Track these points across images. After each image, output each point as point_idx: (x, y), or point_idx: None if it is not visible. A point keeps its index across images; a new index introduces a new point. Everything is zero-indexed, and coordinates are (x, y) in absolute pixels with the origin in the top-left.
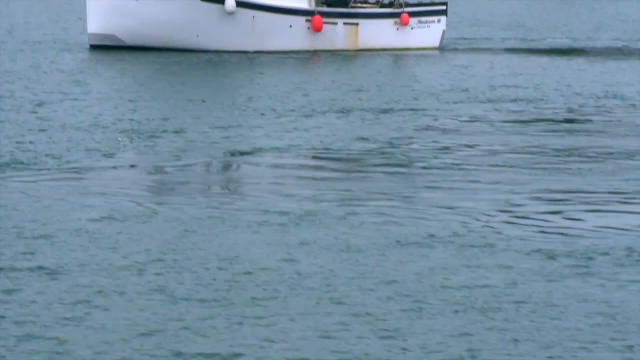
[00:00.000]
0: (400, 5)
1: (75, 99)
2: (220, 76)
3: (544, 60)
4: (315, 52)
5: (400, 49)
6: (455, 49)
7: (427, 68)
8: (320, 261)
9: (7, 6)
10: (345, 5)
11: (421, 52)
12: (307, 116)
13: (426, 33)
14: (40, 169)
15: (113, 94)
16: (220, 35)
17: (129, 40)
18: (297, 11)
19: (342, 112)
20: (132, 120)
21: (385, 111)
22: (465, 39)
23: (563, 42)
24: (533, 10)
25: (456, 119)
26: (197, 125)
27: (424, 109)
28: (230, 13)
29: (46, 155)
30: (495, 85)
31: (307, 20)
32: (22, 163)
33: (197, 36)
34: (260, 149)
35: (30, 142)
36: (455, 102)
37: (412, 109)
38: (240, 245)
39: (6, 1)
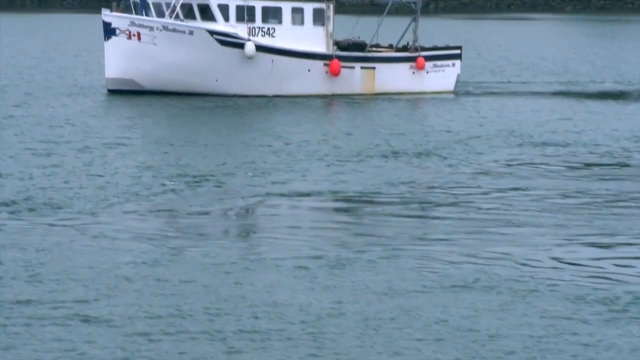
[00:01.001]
0: (416, 49)
1: (109, 145)
2: (243, 121)
3: (590, 103)
4: (333, 96)
5: (416, 93)
6: (477, 93)
7: (456, 112)
8: (364, 304)
9: (22, 50)
10: (362, 49)
11: (440, 96)
12: (341, 161)
13: (441, 77)
14: (74, 213)
15: (139, 140)
16: (239, 79)
17: (147, 85)
18: (316, 55)
19: (377, 156)
20: (162, 165)
21: (422, 155)
22: (509, 82)
23: (609, 85)
24: (579, 52)
25: (496, 163)
26: (225, 170)
27: (459, 153)
28: (250, 57)
29: (77, 199)
30: (538, 129)
31: (325, 65)
32: (51, 205)
33: (216, 80)
34: (292, 193)
35: (61, 186)
36: (494, 146)
37: (447, 153)
38: (282, 289)
39: (21, 45)
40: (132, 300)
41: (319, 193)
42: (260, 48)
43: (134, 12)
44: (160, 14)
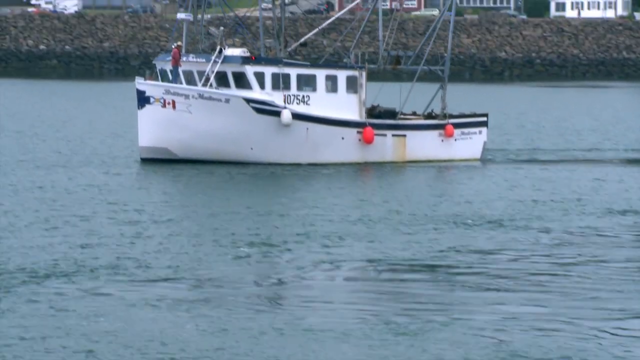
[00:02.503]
0: (444, 117)
1: (149, 214)
2: (282, 189)
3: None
4: (365, 164)
5: (444, 161)
6: (504, 160)
7: (495, 180)
8: None
9: (52, 118)
10: (394, 116)
11: (469, 164)
12: (392, 228)
13: (469, 144)
14: (120, 280)
15: (177, 209)
16: (274, 147)
17: (181, 154)
18: (349, 123)
19: (429, 223)
20: (205, 234)
21: (472, 223)
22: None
23: None
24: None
25: (551, 232)
26: (267, 239)
27: (513, 221)
28: (287, 125)
29: (119, 267)
30: (589, 197)
31: (358, 132)
32: (94, 274)
33: (251, 149)
34: (341, 260)
35: (102, 255)
36: (542, 215)
37: (499, 221)
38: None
39: (52, 114)
40: None
41: (368, 260)
42: (296, 116)
43: (160, 80)
44: (191, 81)
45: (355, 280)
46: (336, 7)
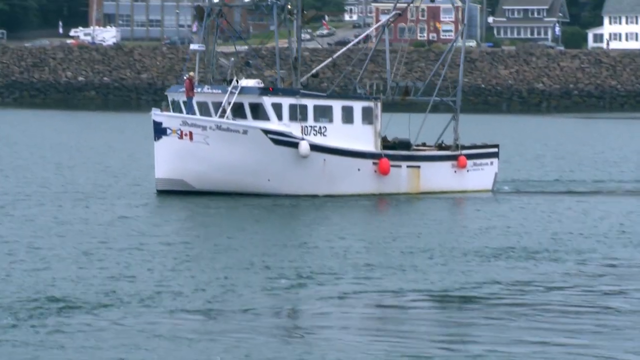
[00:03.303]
0: (457, 148)
1: (169, 247)
2: (301, 221)
3: None
4: (380, 196)
5: (456, 192)
6: (515, 191)
7: (531, 211)
8: None
9: (88, 149)
10: (408, 147)
11: (482, 195)
12: (423, 259)
13: (480, 176)
14: (163, 311)
15: (195, 241)
16: (291, 179)
17: (197, 185)
18: (365, 154)
19: (459, 254)
20: (224, 266)
21: (502, 254)
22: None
23: None
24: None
25: (588, 263)
26: (287, 271)
27: (547, 252)
28: (305, 156)
29: (169, 298)
30: (625, 228)
31: (374, 163)
32: (117, 306)
33: (269, 180)
34: (378, 292)
35: (122, 287)
36: (578, 247)
37: (527, 252)
38: None
39: (88, 145)
40: None
41: (399, 291)
42: (313, 147)
43: (171, 111)
44: (206, 113)
45: (387, 312)
46: (373, 39)
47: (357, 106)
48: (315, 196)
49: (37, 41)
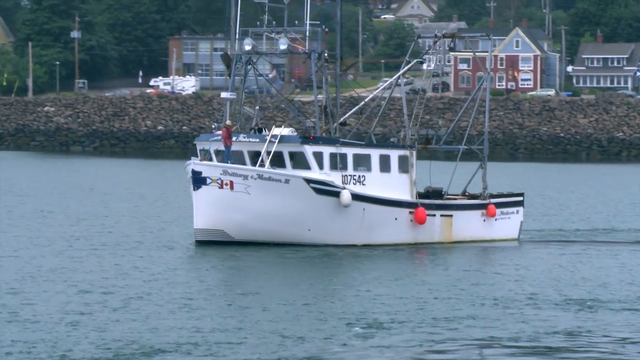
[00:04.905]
0: (485, 197)
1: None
2: (349, 272)
3: None
4: (416, 245)
5: (485, 241)
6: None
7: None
8: None
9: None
10: (441, 196)
11: (509, 244)
12: (492, 308)
13: (507, 224)
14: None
15: (235, 292)
16: (332, 228)
17: (237, 236)
18: (402, 203)
19: (524, 304)
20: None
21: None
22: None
23: None
24: None
25: None
26: (335, 323)
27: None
28: (346, 206)
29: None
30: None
31: (410, 212)
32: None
33: (309, 230)
34: (450, 341)
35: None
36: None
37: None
38: None
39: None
40: None
41: (474, 341)
42: (354, 196)
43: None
44: (241, 162)
45: None
46: (451, 87)
47: (394, 155)
48: (353, 246)
49: (117, 91)
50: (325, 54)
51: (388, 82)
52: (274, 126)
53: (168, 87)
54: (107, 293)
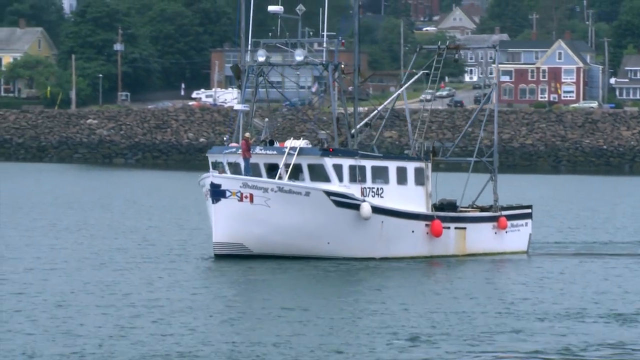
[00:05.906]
0: (497, 209)
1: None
2: (371, 285)
3: None
4: (431, 258)
5: (496, 253)
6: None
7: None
8: None
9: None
10: (455, 209)
11: (518, 257)
12: (535, 321)
13: (517, 237)
14: None
15: (259, 308)
16: (350, 241)
17: (256, 249)
18: (419, 216)
19: (555, 317)
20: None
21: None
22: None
23: None
24: None
25: None
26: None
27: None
28: (366, 219)
29: None
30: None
31: (426, 225)
32: None
33: (328, 243)
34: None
35: None
36: None
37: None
38: None
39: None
40: None
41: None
42: (374, 209)
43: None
44: (256, 174)
45: None
46: (493, 99)
47: (410, 167)
48: (372, 259)
49: (159, 103)
50: (342, 66)
51: (396, 94)
52: (291, 138)
53: (210, 100)
54: (152, 307)
